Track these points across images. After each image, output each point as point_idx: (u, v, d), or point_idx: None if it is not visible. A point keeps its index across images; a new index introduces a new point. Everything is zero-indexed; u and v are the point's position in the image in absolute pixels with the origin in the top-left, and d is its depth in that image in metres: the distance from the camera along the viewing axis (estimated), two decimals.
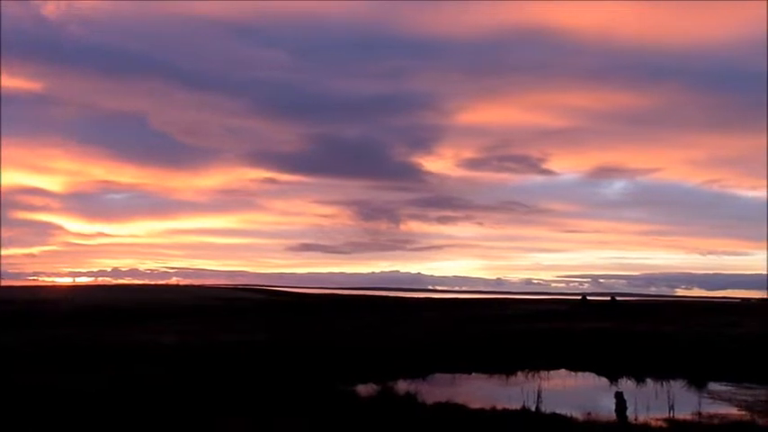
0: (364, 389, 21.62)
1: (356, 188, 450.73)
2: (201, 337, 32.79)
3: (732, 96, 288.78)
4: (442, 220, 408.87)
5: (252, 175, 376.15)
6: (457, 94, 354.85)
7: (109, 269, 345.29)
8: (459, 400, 18.82)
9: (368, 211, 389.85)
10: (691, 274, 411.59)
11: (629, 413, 17.60)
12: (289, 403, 16.93)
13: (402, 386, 21.80)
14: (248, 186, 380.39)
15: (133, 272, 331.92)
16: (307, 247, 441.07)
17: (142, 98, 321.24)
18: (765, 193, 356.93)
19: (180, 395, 17.30)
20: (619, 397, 17.09)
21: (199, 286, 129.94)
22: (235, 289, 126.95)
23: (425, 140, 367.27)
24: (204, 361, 24.34)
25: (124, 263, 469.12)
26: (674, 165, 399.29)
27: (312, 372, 23.12)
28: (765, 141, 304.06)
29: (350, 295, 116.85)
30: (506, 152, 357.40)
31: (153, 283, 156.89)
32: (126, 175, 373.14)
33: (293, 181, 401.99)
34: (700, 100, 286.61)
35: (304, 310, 65.24)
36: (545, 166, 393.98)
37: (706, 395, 22.66)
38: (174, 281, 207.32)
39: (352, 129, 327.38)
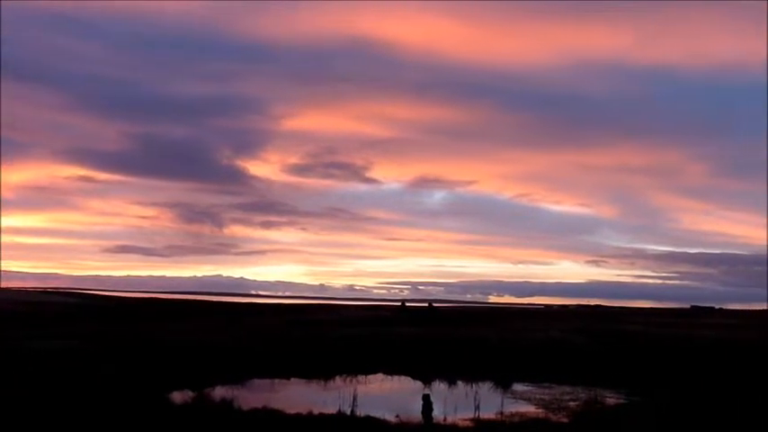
0: (180, 395, 21.19)
1: (179, 190, 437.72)
2: (7, 344, 30.53)
3: (542, 116, 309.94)
4: (267, 225, 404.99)
5: (67, 172, 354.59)
6: (284, 100, 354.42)
7: None
8: (277, 405, 18.86)
9: (190, 214, 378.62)
10: (502, 282, 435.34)
11: (439, 414, 18.48)
12: (101, 411, 16.25)
13: (219, 392, 21.57)
14: (62, 184, 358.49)
15: None
16: (125, 249, 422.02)
17: None
18: (568, 208, 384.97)
19: None
20: (425, 399, 17.88)
21: (5, 289, 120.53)
22: (46, 292, 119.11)
23: (251, 145, 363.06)
24: (9, 369, 22.72)
25: None
26: (489, 178, 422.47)
27: (127, 379, 22.28)
28: (569, 159, 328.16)
29: (170, 300, 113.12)
30: (331, 159, 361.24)
31: None
32: None
33: (112, 180, 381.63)
34: (514, 118, 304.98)
35: (121, 315, 62.39)
36: (369, 174, 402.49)
37: (510, 395, 24.19)
38: None
39: (177, 129, 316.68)
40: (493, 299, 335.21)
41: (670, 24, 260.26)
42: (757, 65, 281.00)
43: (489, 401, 21.72)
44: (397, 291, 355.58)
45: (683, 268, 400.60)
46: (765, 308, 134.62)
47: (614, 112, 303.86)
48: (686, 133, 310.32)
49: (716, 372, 26.45)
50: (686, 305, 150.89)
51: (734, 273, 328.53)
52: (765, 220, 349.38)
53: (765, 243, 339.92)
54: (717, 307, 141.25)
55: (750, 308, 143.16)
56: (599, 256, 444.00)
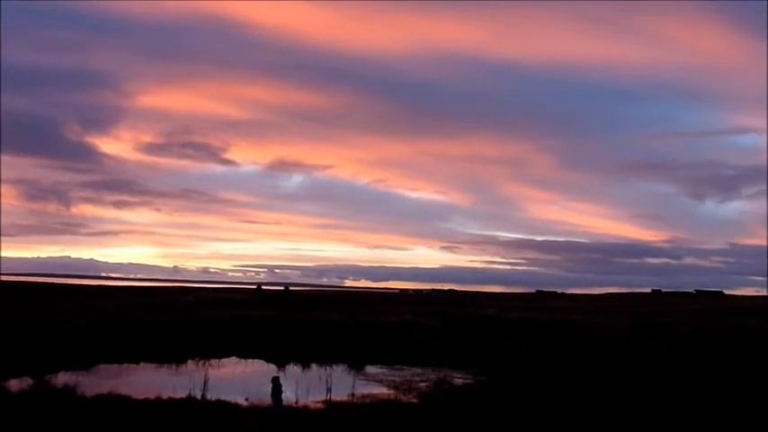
0: (18, 383, 20.09)
1: (22, 166, 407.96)
2: None
3: (400, 104, 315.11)
4: (119, 205, 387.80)
5: None
6: (138, 76, 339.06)
7: None
8: (123, 390, 18.30)
9: (35, 192, 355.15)
10: (358, 266, 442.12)
11: (292, 397, 18.63)
12: None
13: (62, 379, 20.69)
14: None
15: None
16: None
17: None
18: (424, 195, 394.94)
19: None
20: (275, 382, 17.97)
21: None
22: None
23: (102, 121, 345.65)
24: None
25: None
26: (347, 163, 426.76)
27: None
28: (425, 147, 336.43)
29: (11, 281, 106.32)
30: (187, 139, 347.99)
31: None
32: None
33: None
34: (372, 105, 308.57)
35: None
36: (225, 155, 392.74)
37: (362, 377, 24.67)
38: None
39: (20, 101, 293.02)
40: (349, 282, 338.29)
41: (524, 22, 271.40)
42: (602, 65, 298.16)
43: (342, 384, 22.03)
44: (253, 274, 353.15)
45: (531, 255, 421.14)
46: (603, 292, 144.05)
47: (469, 104, 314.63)
48: (535, 126, 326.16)
49: (556, 352, 28.12)
50: (533, 290, 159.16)
51: (576, 260, 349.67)
52: (605, 211, 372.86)
53: (604, 232, 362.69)
54: (560, 291, 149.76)
55: (590, 292, 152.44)
56: (453, 242, 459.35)
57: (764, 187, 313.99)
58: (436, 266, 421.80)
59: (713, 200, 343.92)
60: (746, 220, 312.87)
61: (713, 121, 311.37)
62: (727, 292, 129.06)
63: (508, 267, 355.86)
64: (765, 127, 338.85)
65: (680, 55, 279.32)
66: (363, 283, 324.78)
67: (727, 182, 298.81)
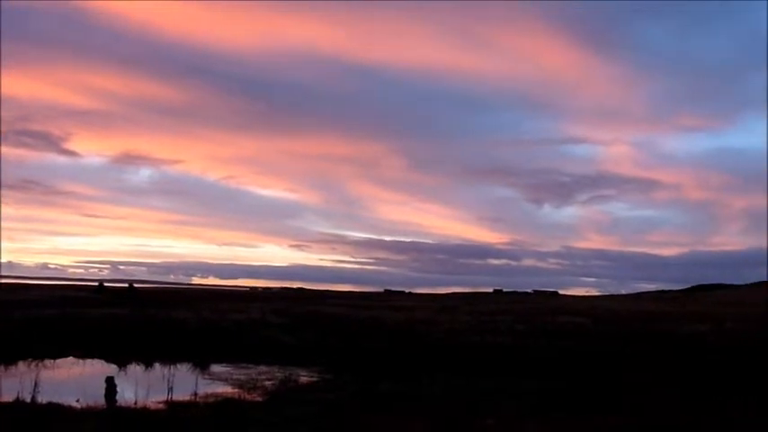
0: None
1: None
2: None
3: (254, 101, 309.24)
4: None
5: None
6: None
7: None
8: None
9: None
10: (207, 263, 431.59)
11: (131, 397, 18.10)
12: None
13: None
14: None
15: None
16: None
17: None
18: (275, 192, 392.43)
19: None
20: (109, 381, 17.42)
21: None
22: None
23: None
24: None
25: None
26: (198, 159, 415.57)
27: None
28: (277, 145, 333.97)
29: None
30: (24, 127, 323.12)
31: None
32: None
33: None
34: (224, 100, 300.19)
35: None
36: (67, 146, 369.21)
37: (207, 376, 24.33)
38: None
39: None
40: (197, 280, 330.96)
41: (382, 26, 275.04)
42: (454, 73, 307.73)
43: (185, 383, 21.57)
44: (95, 270, 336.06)
45: (380, 254, 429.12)
46: (448, 292, 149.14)
47: (322, 103, 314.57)
48: (387, 128, 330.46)
49: (400, 349, 28.93)
50: (381, 289, 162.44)
51: (422, 260, 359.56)
52: (451, 213, 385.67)
53: (450, 234, 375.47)
54: (407, 291, 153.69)
55: (435, 292, 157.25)
56: (302, 240, 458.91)
57: (596, 194, 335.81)
58: (286, 264, 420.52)
59: (550, 205, 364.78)
60: (579, 224, 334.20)
61: (552, 131, 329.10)
62: (561, 292, 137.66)
63: (357, 266, 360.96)
64: (598, 138, 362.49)
65: (526, 68, 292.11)
66: (212, 281, 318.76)
67: (563, 188, 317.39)
